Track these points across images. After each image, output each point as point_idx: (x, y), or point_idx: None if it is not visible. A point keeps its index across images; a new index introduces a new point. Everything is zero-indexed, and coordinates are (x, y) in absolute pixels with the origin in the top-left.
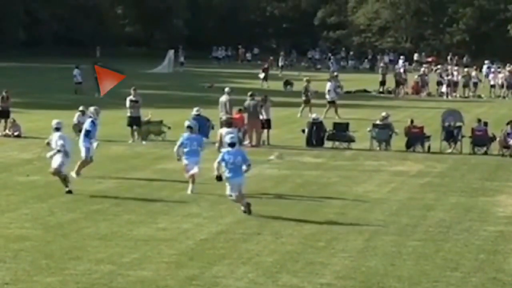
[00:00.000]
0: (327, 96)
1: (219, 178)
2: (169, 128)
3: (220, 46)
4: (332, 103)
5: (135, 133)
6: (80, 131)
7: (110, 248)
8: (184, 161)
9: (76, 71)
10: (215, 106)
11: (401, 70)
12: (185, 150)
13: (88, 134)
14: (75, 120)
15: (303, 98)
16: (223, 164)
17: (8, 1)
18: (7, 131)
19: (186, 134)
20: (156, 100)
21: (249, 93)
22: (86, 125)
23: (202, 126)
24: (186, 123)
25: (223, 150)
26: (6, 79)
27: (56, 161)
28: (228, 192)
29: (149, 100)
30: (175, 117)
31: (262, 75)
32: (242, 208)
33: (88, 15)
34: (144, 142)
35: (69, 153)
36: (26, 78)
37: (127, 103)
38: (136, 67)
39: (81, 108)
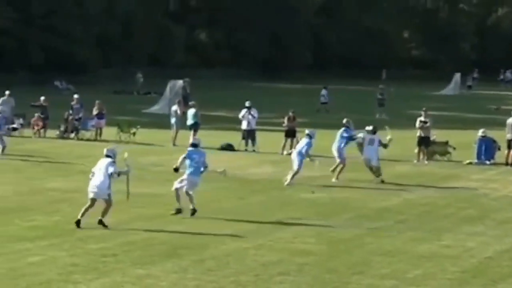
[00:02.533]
0: None
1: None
2: (454, 148)
3: (508, 69)
4: None
5: (421, 153)
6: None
7: (394, 264)
8: None
9: (323, 92)
10: (502, 128)
11: None
12: None
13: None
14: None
15: None
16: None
17: (296, 25)
18: (293, 149)
19: None
20: (442, 121)
21: None
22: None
23: (488, 147)
24: None
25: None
26: (293, 99)
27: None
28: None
29: (435, 121)
30: (460, 138)
31: None
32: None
33: (374, 39)
34: (426, 162)
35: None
36: (310, 99)
37: (417, 124)
38: (422, 89)
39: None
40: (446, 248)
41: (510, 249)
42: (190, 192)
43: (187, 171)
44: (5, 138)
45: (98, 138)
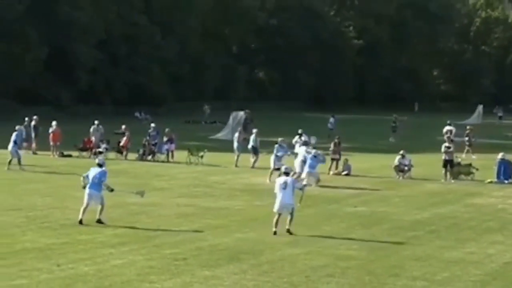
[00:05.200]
0: None
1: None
2: (477, 169)
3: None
4: None
5: (448, 174)
6: (400, 171)
7: (424, 267)
8: None
9: (331, 120)
10: None
11: None
12: None
13: None
14: (396, 161)
15: None
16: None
17: (340, 64)
18: (337, 170)
19: None
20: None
21: None
22: None
23: (507, 168)
24: None
25: None
26: (341, 127)
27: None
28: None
29: (457, 147)
30: (482, 161)
31: None
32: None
33: (408, 76)
34: (452, 181)
35: None
36: (355, 127)
37: (442, 148)
38: (448, 119)
39: (401, 152)
40: (470, 254)
41: None
42: None
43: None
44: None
45: (170, 160)
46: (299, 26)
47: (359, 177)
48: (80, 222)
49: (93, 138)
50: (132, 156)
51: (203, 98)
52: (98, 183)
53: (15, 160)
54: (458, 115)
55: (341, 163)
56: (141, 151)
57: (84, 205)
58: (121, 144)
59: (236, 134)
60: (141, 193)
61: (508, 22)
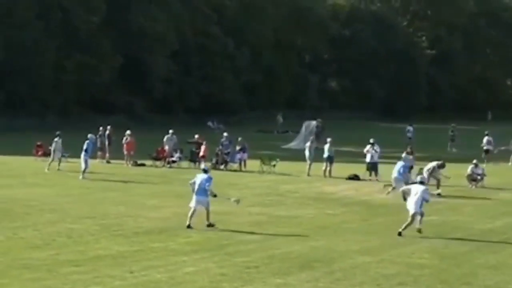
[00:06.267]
0: None
1: None
2: None
3: None
4: None
5: None
6: (473, 180)
7: (497, 276)
8: None
9: (409, 128)
10: None
11: None
12: None
13: None
14: (469, 171)
15: None
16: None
17: (413, 73)
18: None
19: None
20: None
21: None
22: None
23: None
24: None
25: None
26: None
27: None
28: None
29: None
30: None
31: None
32: None
33: (481, 84)
34: None
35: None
36: (425, 136)
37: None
38: None
39: (474, 161)
40: None
41: None
42: None
43: None
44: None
45: (243, 169)
46: (372, 37)
47: (431, 186)
48: (188, 226)
49: (166, 147)
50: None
51: (275, 107)
52: (204, 189)
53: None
54: None
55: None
56: (214, 160)
57: (192, 210)
58: (201, 154)
59: (308, 143)
60: (237, 201)
61: None
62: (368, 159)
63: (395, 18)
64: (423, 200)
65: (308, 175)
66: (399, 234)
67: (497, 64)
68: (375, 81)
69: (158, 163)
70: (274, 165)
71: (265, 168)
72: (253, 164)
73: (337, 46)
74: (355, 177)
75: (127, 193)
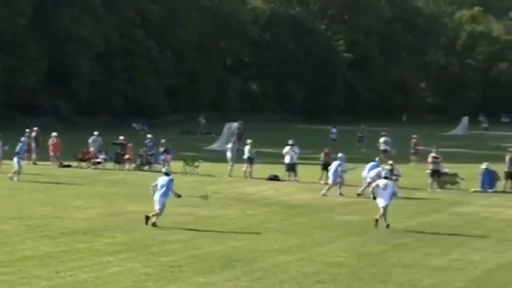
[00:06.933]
0: None
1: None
2: (462, 179)
3: (507, 114)
4: None
5: (434, 183)
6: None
7: (411, 274)
8: None
9: (333, 130)
10: (502, 162)
11: None
12: None
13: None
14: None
15: None
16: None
17: (332, 77)
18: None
19: None
20: (452, 156)
21: None
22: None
23: (491, 178)
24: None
25: None
26: (329, 138)
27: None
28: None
29: (446, 157)
30: (467, 171)
31: None
32: None
33: (396, 88)
34: (439, 190)
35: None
36: (344, 138)
37: (429, 159)
38: (434, 130)
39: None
40: (455, 261)
41: (509, 263)
42: None
43: None
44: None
45: None
46: (291, 40)
47: (350, 186)
48: (148, 218)
49: (91, 149)
50: (129, 166)
51: (198, 109)
52: (165, 191)
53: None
54: (444, 127)
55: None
56: (138, 161)
57: (156, 211)
58: (128, 156)
59: (230, 145)
60: (205, 197)
61: (492, 36)
62: (287, 160)
63: (314, 22)
64: (393, 194)
65: (230, 176)
66: (376, 221)
67: (412, 67)
68: (295, 84)
69: (83, 164)
70: (197, 166)
71: (188, 169)
72: (177, 165)
73: (258, 50)
74: (275, 178)
75: (53, 194)
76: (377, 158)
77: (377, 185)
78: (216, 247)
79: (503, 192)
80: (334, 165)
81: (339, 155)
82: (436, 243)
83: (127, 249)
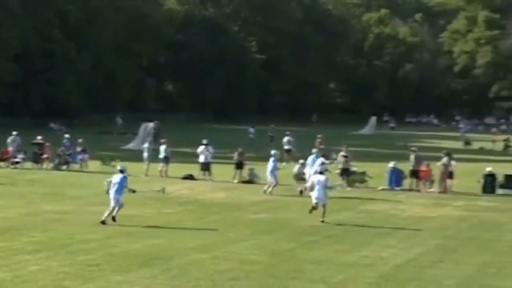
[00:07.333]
0: None
1: None
2: (370, 177)
3: (413, 114)
4: None
5: (344, 182)
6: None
7: (322, 271)
8: None
9: (251, 130)
10: (407, 161)
11: None
12: None
13: None
14: (295, 170)
15: None
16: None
17: (245, 78)
18: (241, 179)
19: None
20: (361, 155)
21: (444, 152)
22: None
23: (397, 176)
24: None
25: None
26: (242, 138)
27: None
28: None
29: (355, 156)
30: (375, 169)
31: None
32: None
33: (307, 89)
34: (348, 188)
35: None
36: (259, 138)
37: (339, 158)
38: (344, 130)
39: (301, 161)
40: (364, 257)
41: (415, 258)
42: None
43: None
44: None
45: (85, 169)
46: (205, 41)
47: (263, 185)
48: (103, 222)
49: (10, 149)
50: (47, 165)
51: (115, 110)
52: (120, 188)
53: None
54: (354, 126)
55: (245, 171)
56: (56, 161)
57: (111, 207)
58: (46, 156)
59: (146, 145)
60: (162, 190)
61: (398, 38)
62: (202, 159)
63: (227, 24)
64: (326, 188)
65: (146, 175)
66: (310, 212)
67: (322, 68)
68: (209, 84)
69: (2, 164)
70: (114, 166)
71: (106, 168)
72: (94, 164)
73: (173, 51)
74: (190, 177)
75: None
76: (314, 150)
77: (312, 182)
78: (134, 246)
79: (409, 190)
80: (270, 164)
81: (273, 152)
82: (346, 240)
83: (46, 248)
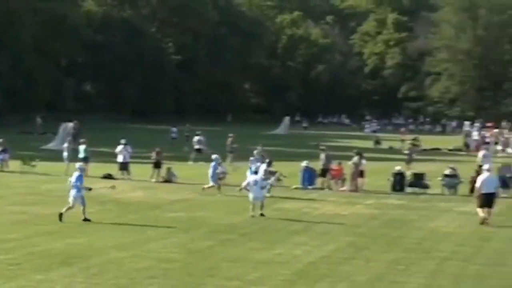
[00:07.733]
0: None
1: None
2: (284, 176)
3: (325, 114)
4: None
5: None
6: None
7: (238, 268)
8: None
9: (173, 129)
10: (319, 160)
11: (475, 133)
12: None
13: None
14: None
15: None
16: None
17: (161, 78)
18: (159, 178)
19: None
20: (274, 155)
21: (355, 151)
22: None
23: (310, 175)
24: None
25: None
26: (159, 137)
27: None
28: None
29: (270, 155)
30: (288, 168)
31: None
32: None
33: (222, 89)
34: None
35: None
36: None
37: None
38: (259, 130)
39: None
40: (278, 255)
41: (328, 255)
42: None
43: None
44: None
45: (5, 169)
46: (123, 42)
47: (181, 185)
48: (60, 216)
49: None
50: None
51: (35, 109)
52: (76, 186)
53: None
54: (268, 126)
55: (163, 171)
56: None
57: (70, 205)
58: None
59: (66, 144)
60: (113, 187)
61: (310, 39)
62: (120, 159)
63: (145, 25)
64: (262, 188)
65: (66, 174)
66: (260, 214)
67: (237, 69)
68: (127, 85)
69: None
70: (34, 165)
71: (26, 168)
72: (14, 164)
73: (91, 51)
74: (109, 176)
75: None
76: (255, 151)
77: (248, 182)
78: (54, 245)
79: (321, 188)
80: (210, 169)
81: (213, 156)
82: (261, 238)
83: None
